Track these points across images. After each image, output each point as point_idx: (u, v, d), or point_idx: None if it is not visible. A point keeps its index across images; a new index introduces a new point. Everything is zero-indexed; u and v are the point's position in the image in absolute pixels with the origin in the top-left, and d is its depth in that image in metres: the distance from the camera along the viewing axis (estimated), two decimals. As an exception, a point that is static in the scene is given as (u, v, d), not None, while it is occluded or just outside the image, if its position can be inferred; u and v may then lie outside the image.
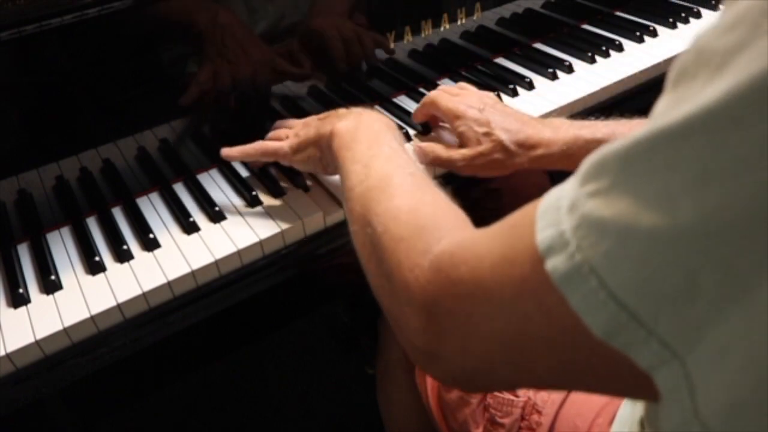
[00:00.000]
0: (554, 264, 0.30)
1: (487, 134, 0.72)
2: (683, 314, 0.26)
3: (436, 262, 0.40)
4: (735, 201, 0.25)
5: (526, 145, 0.71)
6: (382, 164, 0.56)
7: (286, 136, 0.74)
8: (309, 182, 0.78)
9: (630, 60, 0.97)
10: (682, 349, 0.27)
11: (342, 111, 0.69)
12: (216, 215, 0.74)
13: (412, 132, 0.84)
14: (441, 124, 0.82)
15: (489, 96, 0.78)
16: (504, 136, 0.71)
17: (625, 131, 0.68)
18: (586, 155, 0.74)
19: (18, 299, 0.65)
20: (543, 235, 0.31)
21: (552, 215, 0.31)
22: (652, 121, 0.28)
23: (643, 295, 0.27)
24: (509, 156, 0.71)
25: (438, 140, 0.80)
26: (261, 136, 0.78)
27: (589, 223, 0.29)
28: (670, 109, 0.27)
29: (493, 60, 1.01)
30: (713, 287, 0.26)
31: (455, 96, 0.77)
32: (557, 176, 0.93)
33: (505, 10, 1.02)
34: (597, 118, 0.73)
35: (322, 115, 0.71)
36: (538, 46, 1.04)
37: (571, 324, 0.30)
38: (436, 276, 0.39)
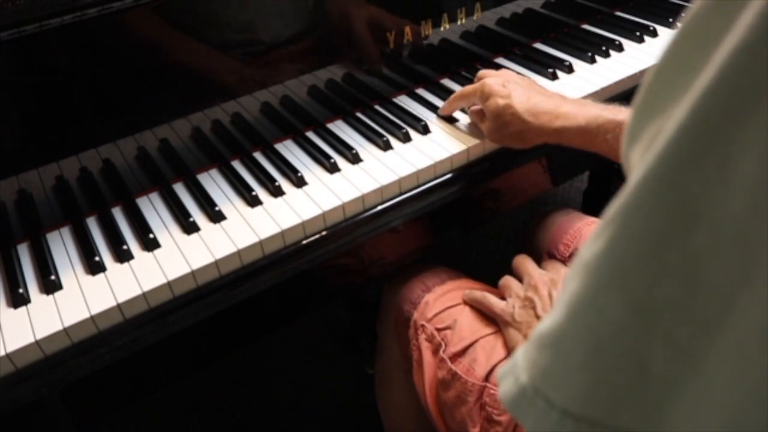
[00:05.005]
0: (503, 389, 0.29)
1: (507, 106, 0.75)
2: (641, 399, 0.26)
3: None
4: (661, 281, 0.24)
5: (543, 117, 0.73)
6: None
7: (509, 295, 0.76)
8: (309, 182, 0.78)
9: (630, 60, 0.97)
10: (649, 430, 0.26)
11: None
12: (216, 215, 0.74)
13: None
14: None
15: (516, 75, 0.82)
16: (520, 108, 0.74)
17: None
18: (605, 135, 0.73)
19: (18, 299, 0.65)
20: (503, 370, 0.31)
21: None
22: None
23: (596, 399, 0.26)
24: (527, 127, 0.74)
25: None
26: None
27: (531, 341, 0.28)
28: None
29: (493, 60, 1.01)
30: (663, 364, 0.25)
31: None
32: (557, 176, 0.93)
33: (505, 10, 1.02)
34: None
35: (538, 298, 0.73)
36: (538, 46, 1.04)
37: None
38: None
